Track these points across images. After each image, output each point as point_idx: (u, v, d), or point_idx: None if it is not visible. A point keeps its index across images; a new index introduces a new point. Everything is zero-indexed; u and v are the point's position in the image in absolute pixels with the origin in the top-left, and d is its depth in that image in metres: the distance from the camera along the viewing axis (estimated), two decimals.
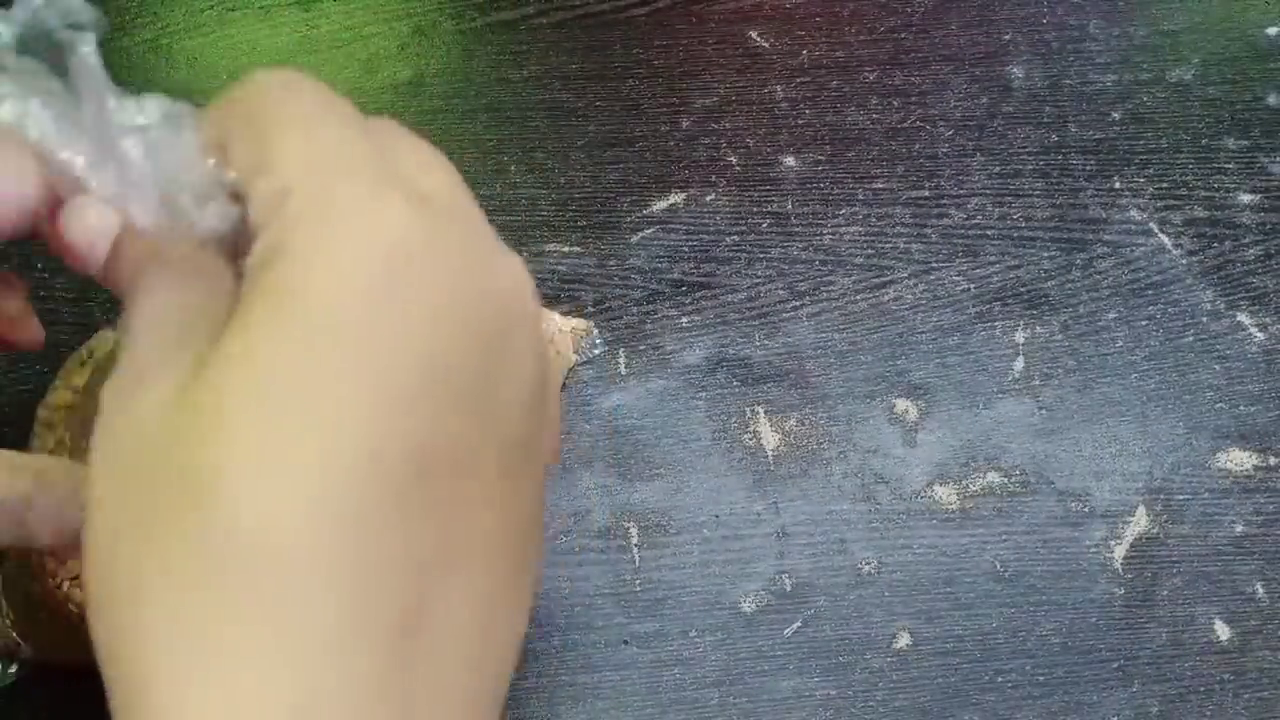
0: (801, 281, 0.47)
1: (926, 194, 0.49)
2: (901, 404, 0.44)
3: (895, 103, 0.52)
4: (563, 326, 0.44)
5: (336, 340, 0.18)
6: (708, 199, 0.49)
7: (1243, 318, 0.46)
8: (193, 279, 0.21)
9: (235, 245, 0.21)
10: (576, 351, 0.45)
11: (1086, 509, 0.42)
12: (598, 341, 0.45)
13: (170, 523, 0.18)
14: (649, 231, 0.48)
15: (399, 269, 0.19)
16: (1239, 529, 0.41)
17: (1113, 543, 0.41)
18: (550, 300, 0.46)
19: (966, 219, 0.49)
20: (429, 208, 0.20)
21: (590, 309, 0.46)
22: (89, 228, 0.21)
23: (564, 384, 0.44)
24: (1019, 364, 0.45)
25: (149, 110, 0.22)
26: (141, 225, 0.21)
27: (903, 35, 0.55)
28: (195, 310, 0.20)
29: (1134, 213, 0.49)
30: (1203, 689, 0.39)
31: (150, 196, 0.21)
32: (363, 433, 0.18)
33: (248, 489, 0.17)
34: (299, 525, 0.17)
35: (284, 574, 0.17)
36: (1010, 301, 0.46)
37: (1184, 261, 0.47)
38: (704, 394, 0.44)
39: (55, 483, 0.26)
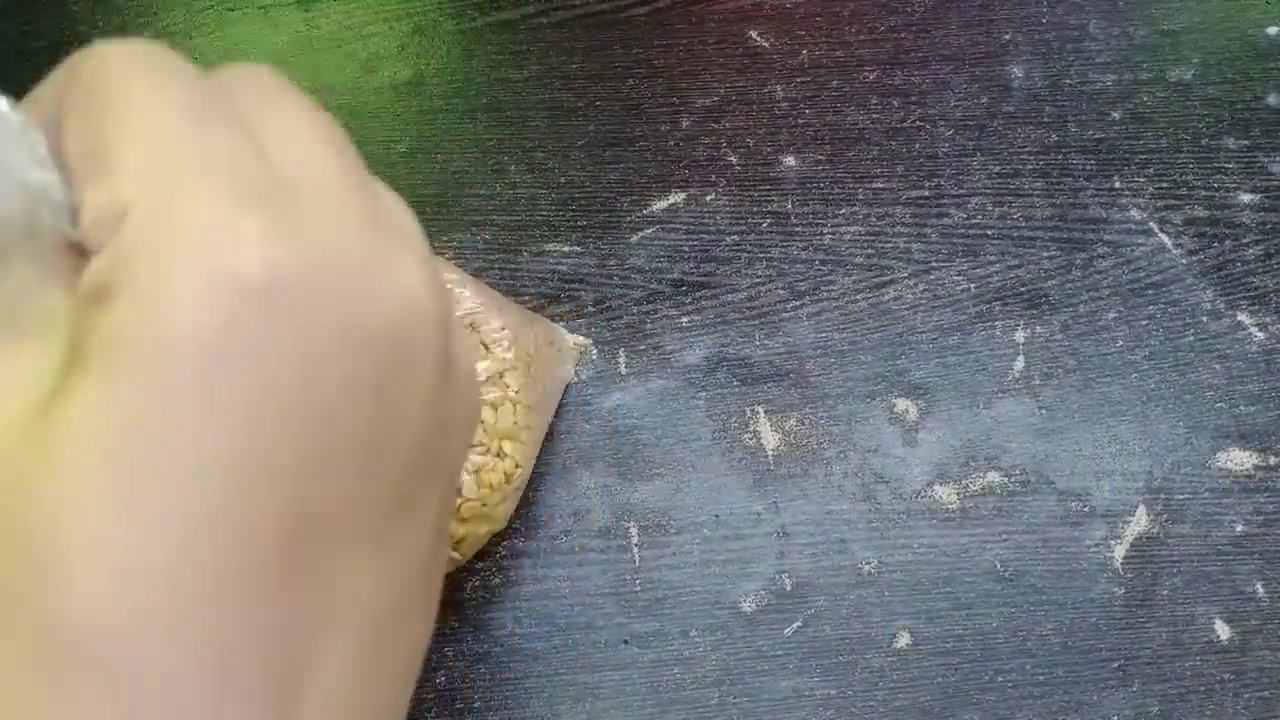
0: (801, 281, 0.47)
1: (926, 194, 0.49)
2: (901, 404, 0.44)
3: (895, 102, 0.52)
4: (565, 340, 0.44)
5: (177, 404, 0.16)
6: (708, 199, 0.49)
7: (1243, 317, 0.46)
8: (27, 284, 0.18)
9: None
10: (576, 369, 0.45)
11: (1086, 509, 0.42)
12: (594, 359, 0.45)
13: None
14: (649, 231, 0.48)
15: (254, 313, 0.16)
16: (1239, 529, 0.41)
17: (1113, 542, 0.41)
18: (550, 300, 0.46)
19: (966, 219, 0.49)
20: (296, 219, 0.17)
21: (590, 309, 0.46)
22: None
23: (561, 398, 0.44)
24: (1019, 364, 0.45)
25: None
26: None
27: (903, 35, 0.54)
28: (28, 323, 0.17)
29: (1134, 212, 0.49)
30: (1203, 689, 0.39)
31: None
32: (206, 510, 0.16)
33: (80, 569, 0.15)
34: (137, 607, 0.15)
35: (125, 660, 0.15)
36: (1010, 301, 0.46)
37: (1184, 261, 0.47)
38: (704, 394, 0.44)
39: None
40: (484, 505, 0.36)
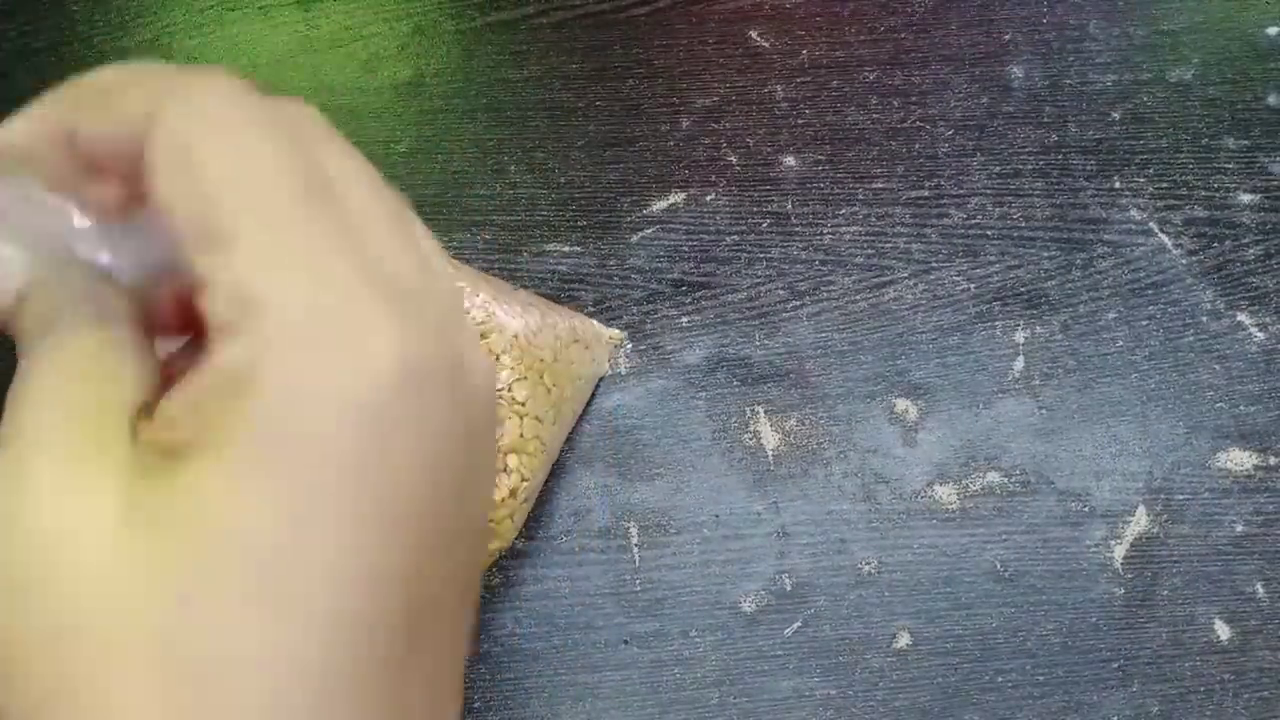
0: (801, 281, 0.47)
1: (926, 194, 0.49)
2: (901, 404, 0.44)
3: (895, 103, 0.52)
4: (600, 334, 0.44)
5: (323, 505, 0.16)
6: (708, 199, 0.49)
7: (1243, 317, 0.46)
8: (99, 351, 0.18)
9: (145, 285, 0.19)
10: (610, 361, 0.44)
11: (1086, 509, 0.42)
12: (629, 352, 0.45)
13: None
14: (649, 231, 0.48)
15: (390, 409, 0.17)
16: (1239, 529, 0.41)
17: (1113, 542, 0.41)
18: (550, 300, 0.46)
19: (966, 219, 0.49)
20: (410, 313, 0.17)
21: (590, 309, 0.46)
22: None
23: (594, 391, 0.44)
24: (1019, 364, 0.45)
25: None
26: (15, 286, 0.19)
27: (903, 35, 0.55)
28: (103, 393, 0.18)
29: (1134, 212, 0.49)
30: (1203, 689, 0.39)
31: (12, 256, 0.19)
32: (354, 604, 0.16)
33: (239, 674, 0.16)
34: (289, 706, 0.16)
35: None
36: (1010, 301, 0.46)
37: (1184, 261, 0.47)
38: (704, 394, 0.44)
39: None
40: (490, 521, 0.36)
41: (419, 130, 0.51)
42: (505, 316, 0.38)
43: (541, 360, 0.39)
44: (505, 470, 0.36)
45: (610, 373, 0.44)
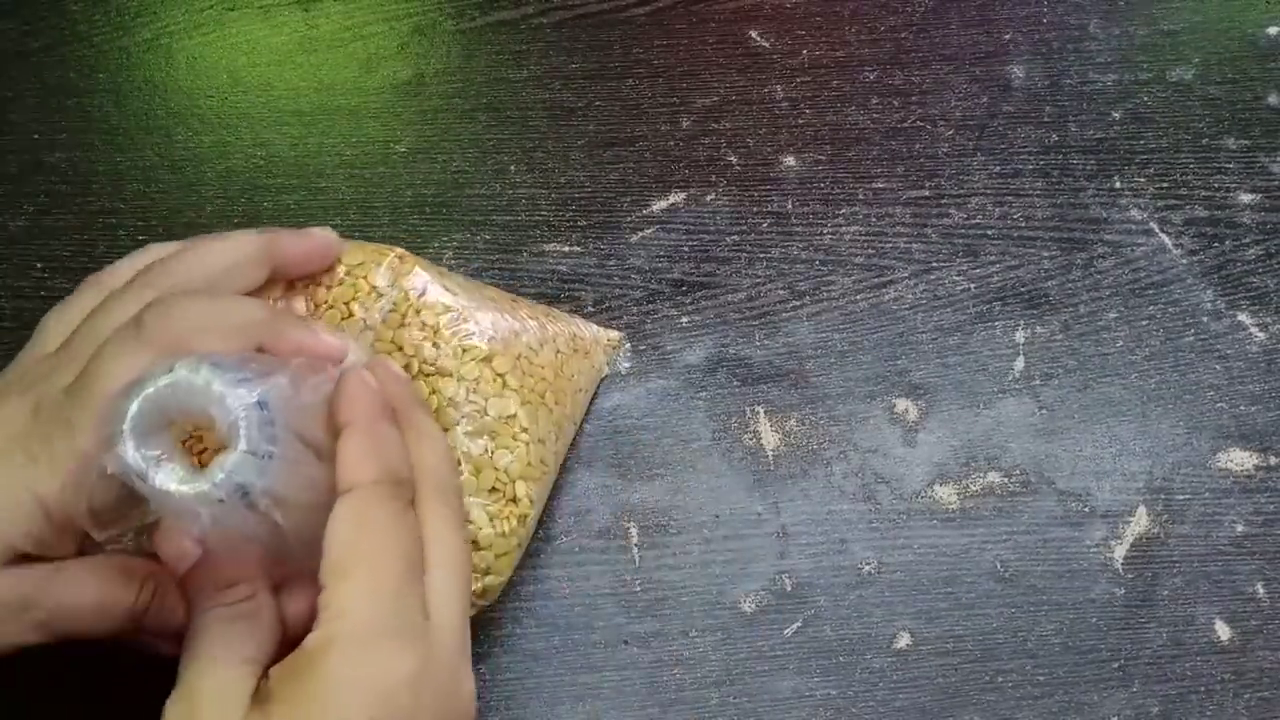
0: (801, 281, 0.47)
1: (927, 194, 0.49)
2: (902, 404, 0.44)
3: (895, 102, 0.52)
4: (599, 337, 0.44)
5: None
6: (708, 199, 0.49)
7: (1243, 317, 0.46)
8: (252, 616, 0.29)
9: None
10: (609, 364, 0.44)
11: (1087, 509, 0.42)
12: (628, 351, 0.45)
13: None
14: (649, 231, 0.48)
15: (400, 698, 0.27)
16: (1239, 529, 0.41)
17: (1113, 543, 0.41)
18: (550, 300, 0.46)
19: (967, 219, 0.49)
20: (426, 645, 0.28)
21: (590, 309, 0.46)
22: (176, 550, 0.30)
23: (594, 394, 0.44)
24: (1019, 364, 0.45)
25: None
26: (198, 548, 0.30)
27: (903, 35, 0.54)
28: (249, 650, 0.28)
29: (1134, 212, 0.49)
30: (1203, 689, 0.39)
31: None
32: None
33: None
34: None
35: None
36: (1010, 301, 0.46)
37: (1184, 261, 0.47)
38: (704, 394, 0.44)
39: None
40: (498, 555, 0.36)
41: (419, 130, 0.51)
42: (509, 337, 0.38)
43: (544, 380, 0.38)
44: (514, 500, 0.36)
45: (609, 374, 0.44)
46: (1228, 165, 0.50)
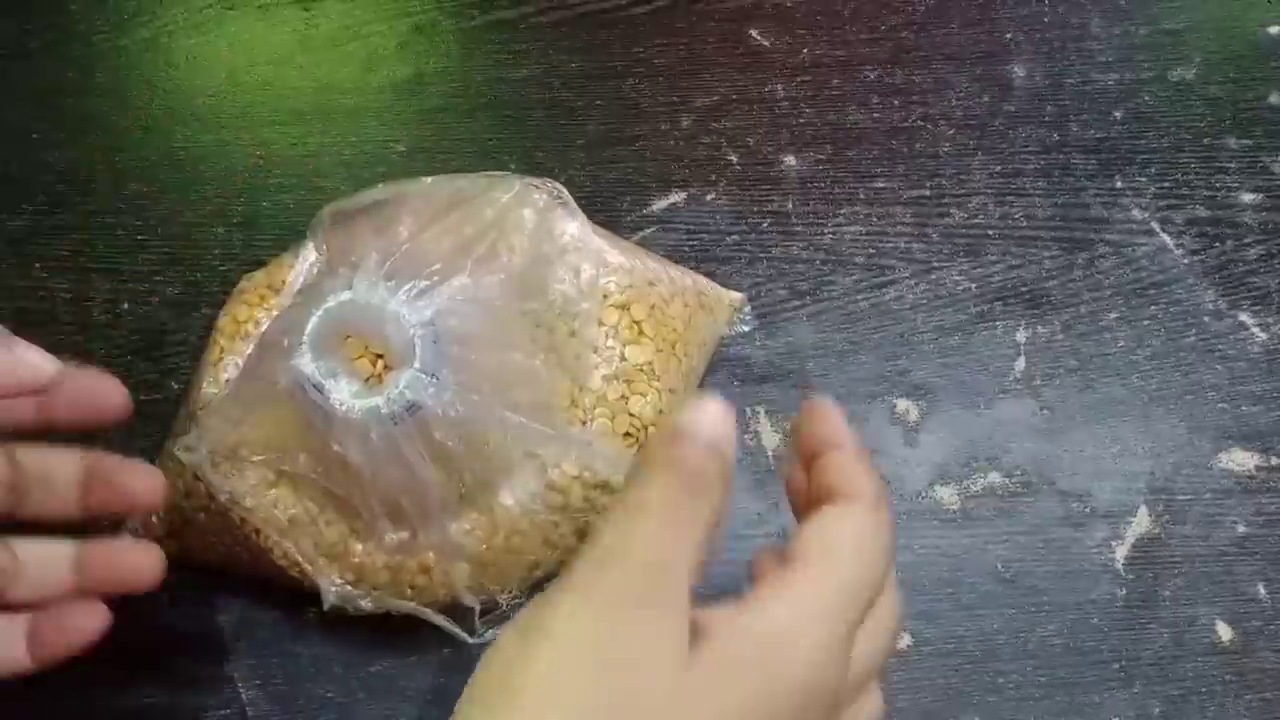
0: (802, 281, 0.47)
1: (928, 193, 0.49)
2: (902, 404, 0.44)
3: (896, 101, 0.52)
4: (722, 297, 0.44)
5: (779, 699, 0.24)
6: (708, 198, 0.49)
7: (1245, 317, 0.46)
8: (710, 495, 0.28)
9: None
10: (729, 324, 0.44)
11: (1088, 509, 0.42)
12: (749, 315, 0.45)
13: None
14: (649, 231, 0.48)
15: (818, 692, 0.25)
16: (1241, 529, 0.41)
17: (1114, 543, 0.41)
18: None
19: (968, 218, 0.49)
20: (844, 679, 0.26)
21: None
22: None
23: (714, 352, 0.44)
24: (1020, 364, 0.45)
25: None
26: None
27: (904, 34, 0.54)
28: (698, 535, 0.26)
29: (1136, 212, 0.49)
30: (1205, 690, 0.38)
31: None
32: None
33: None
34: None
35: None
36: (1012, 301, 0.46)
37: (1186, 261, 0.47)
38: (704, 394, 0.44)
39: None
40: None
41: (419, 130, 0.51)
42: (643, 287, 0.38)
43: (675, 331, 0.39)
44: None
45: (731, 334, 0.44)
46: (1229, 165, 0.50)
